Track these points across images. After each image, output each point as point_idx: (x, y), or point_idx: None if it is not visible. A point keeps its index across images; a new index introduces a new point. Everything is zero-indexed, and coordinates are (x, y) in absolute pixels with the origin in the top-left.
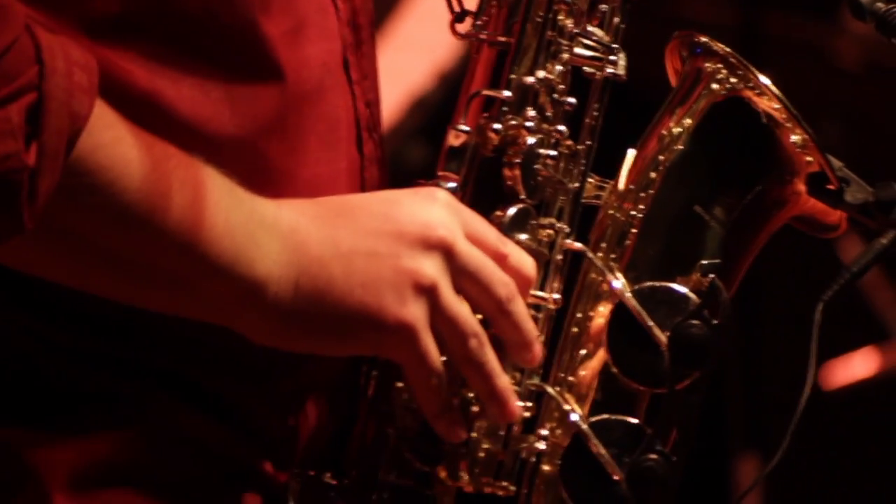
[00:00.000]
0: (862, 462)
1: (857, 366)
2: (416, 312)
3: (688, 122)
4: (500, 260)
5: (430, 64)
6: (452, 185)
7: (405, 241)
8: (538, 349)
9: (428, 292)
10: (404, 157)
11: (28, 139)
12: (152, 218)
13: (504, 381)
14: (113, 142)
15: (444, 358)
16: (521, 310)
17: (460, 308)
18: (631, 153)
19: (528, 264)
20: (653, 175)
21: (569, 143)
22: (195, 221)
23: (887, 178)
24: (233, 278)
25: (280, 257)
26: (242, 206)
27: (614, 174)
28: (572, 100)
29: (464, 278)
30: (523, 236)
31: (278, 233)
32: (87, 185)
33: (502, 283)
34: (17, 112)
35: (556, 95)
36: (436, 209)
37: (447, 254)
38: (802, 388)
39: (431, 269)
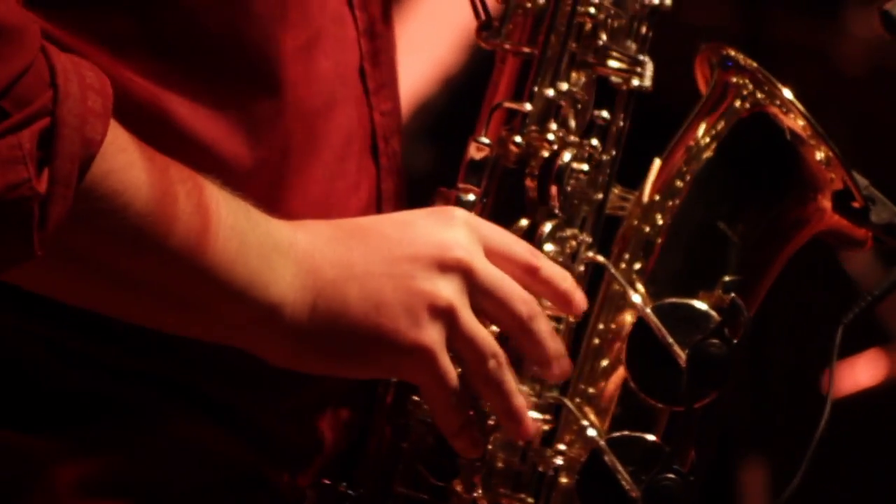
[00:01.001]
0: (869, 466)
1: (862, 371)
2: (432, 335)
3: (714, 135)
4: (532, 273)
5: (433, 66)
6: (472, 197)
7: (420, 263)
8: (565, 364)
9: (444, 314)
10: (408, 159)
11: (40, 165)
12: (161, 242)
13: (520, 400)
14: (125, 166)
15: (459, 371)
16: (543, 327)
17: (478, 329)
18: (656, 163)
19: (559, 276)
20: (678, 185)
21: (593, 153)
22: (204, 246)
23: (886, 184)
24: (247, 302)
25: (295, 280)
26: (257, 230)
27: (638, 185)
28: (605, 114)
29: (483, 297)
30: (550, 248)
31: (294, 256)
32: (99, 210)
33: (522, 301)
34: (30, 138)
35: (581, 108)
36: (453, 229)
37: (465, 274)
38: (807, 391)
39: (447, 290)
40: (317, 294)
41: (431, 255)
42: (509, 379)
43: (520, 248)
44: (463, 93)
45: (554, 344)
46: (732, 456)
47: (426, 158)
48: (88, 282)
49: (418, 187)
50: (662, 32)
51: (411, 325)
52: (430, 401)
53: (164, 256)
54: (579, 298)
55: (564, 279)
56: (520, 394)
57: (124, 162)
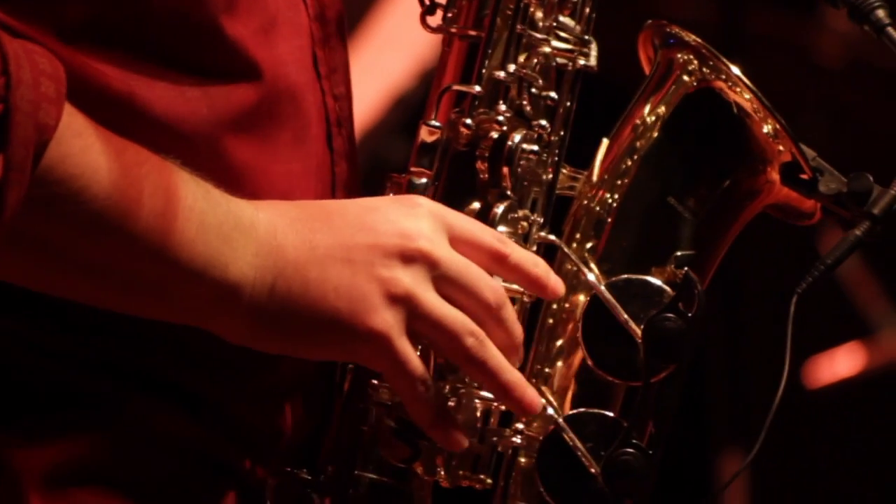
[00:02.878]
0: (848, 458)
1: (841, 363)
2: (387, 320)
3: (661, 112)
4: (500, 260)
5: (411, 61)
6: (424, 180)
7: (381, 251)
8: (521, 352)
9: (402, 301)
10: (386, 154)
11: None
12: (123, 225)
13: (514, 374)
14: (82, 150)
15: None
16: (510, 314)
17: (446, 310)
18: (604, 143)
19: (529, 261)
20: (626, 165)
21: (543, 134)
22: (166, 227)
23: (868, 171)
24: (207, 281)
25: (255, 260)
26: (217, 210)
27: (588, 165)
28: (553, 95)
29: (449, 286)
30: (502, 229)
31: (255, 236)
32: (57, 195)
33: (490, 289)
34: None
35: (534, 90)
36: (417, 218)
37: (428, 264)
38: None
39: (406, 278)
40: (277, 274)
41: (393, 244)
42: (495, 354)
43: (487, 236)
44: None
45: (518, 331)
46: (711, 446)
47: (405, 152)
48: (48, 266)
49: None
50: (606, 12)
51: (367, 310)
52: (398, 390)
53: (124, 238)
54: (554, 282)
55: (536, 264)
56: (511, 368)
57: (81, 146)
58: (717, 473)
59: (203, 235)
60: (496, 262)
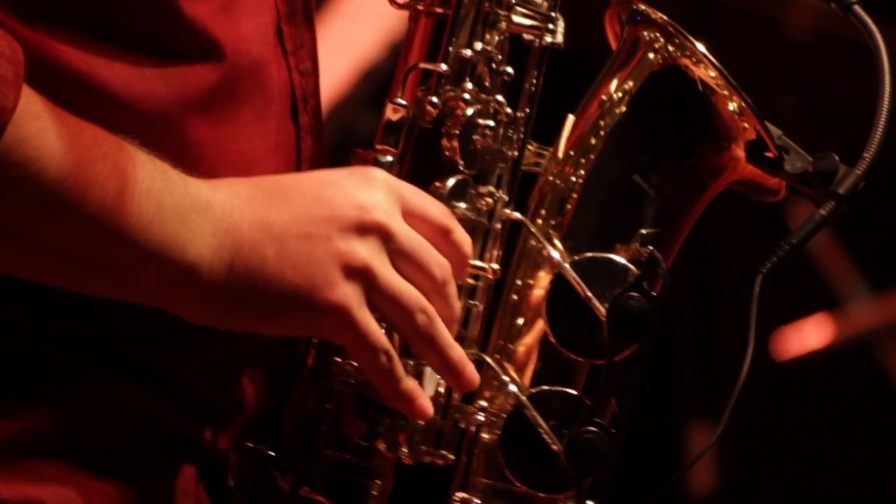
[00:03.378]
0: (815, 431)
1: (810, 335)
2: (347, 293)
3: (626, 89)
4: (444, 235)
5: (380, 33)
6: (390, 158)
7: (338, 223)
8: (456, 328)
9: (360, 274)
10: (355, 126)
11: None
12: (79, 207)
13: (458, 351)
14: (39, 133)
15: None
16: (453, 290)
17: (401, 285)
18: (570, 119)
19: (467, 243)
20: (592, 142)
21: (507, 111)
22: (123, 209)
23: (837, 146)
24: (165, 263)
25: (212, 241)
26: (175, 191)
27: (553, 142)
28: (510, 70)
29: (400, 260)
30: (462, 206)
31: (212, 216)
32: (14, 177)
33: (438, 265)
34: None
35: (494, 66)
36: (371, 191)
37: (383, 236)
38: (754, 355)
39: (364, 251)
40: (234, 253)
41: (350, 216)
42: (442, 331)
43: (435, 210)
44: None
45: (457, 307)
46: (679, 420)
47: (374, 124)
48: (5, 248)
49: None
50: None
51: (325, 284)
52: (361, 363)
53: (82, 220)
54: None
55: (468, 245)
56: (456, 345)
57: (38, 128)
58: (686, 445)
59: (160, 217)
60: (440, 237)
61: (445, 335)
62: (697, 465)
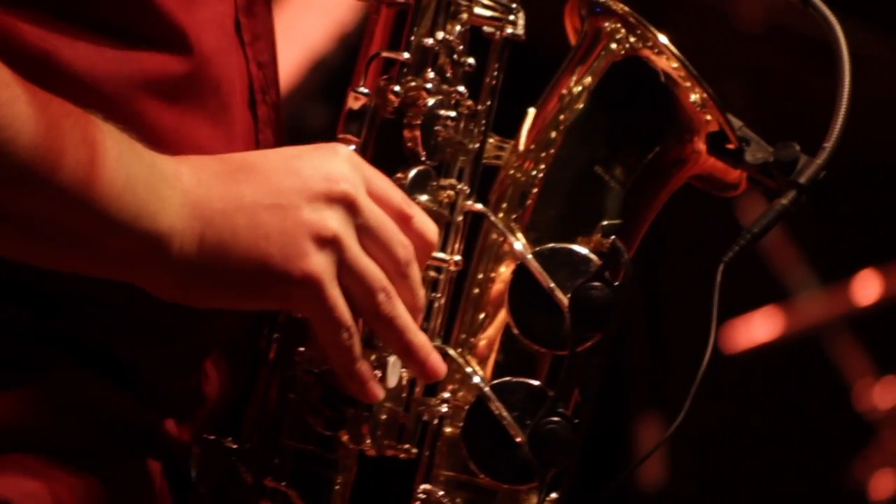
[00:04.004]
0: (765, 424)
1: (758, 327)
2: (320, 263)
3: (587, 81)
4: (404, 221)
5: (330, 24)
6: (352, 147)
7: (308, 193)
8: (422, 316)
9: (332, 244)
10: (304, 118)
11: None
12: (49, 176)
13: (421, 336)
14: (9, 101)
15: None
16: (416, 274)
17: (366, 262)
18: (531, 113)
19: (431, 229)
20: (553, 135)
21: (469, 103)
22: (92, 178)
23: (788, 138)
24: (135, 232)
25: (183, 210)
26: (143, 162)
27: (515, 134)
28: (471, 60)
29: (365, 236)
30: (424, 198)
31: (181, 187)
32: None
33: (401, 245)
34: None
35: (455, 56)
36: (338, 163)
37: (350, 208)
38: (704, 348)
39: (333, 221)
40: (205, 224)
41: (318, 186)
42: (403, 314)
43: (396, 195)
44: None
45: (421, 292)
46: (628, 411)
47: (323, 116)
48: None
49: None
50: None
51: (299, 254)
52: (322, 335)
53: (52, 189)
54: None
55: (433, 233)
56: (418, 330)
57: (8, 97)
58: (635, 437)
59: (130, 186)
60: (401, 222)
61: (407, 318)
62: (647, 461)
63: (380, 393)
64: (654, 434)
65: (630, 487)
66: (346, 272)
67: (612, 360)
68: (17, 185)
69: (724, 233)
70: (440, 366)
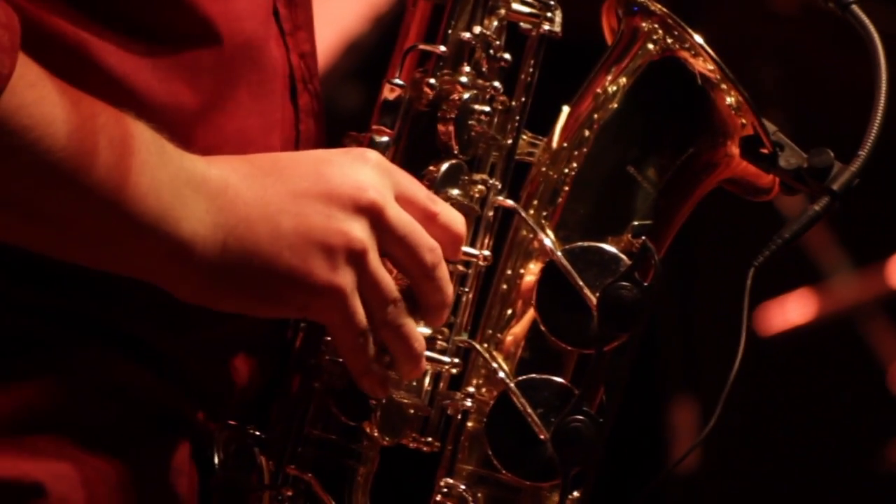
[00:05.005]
0: (797, 406)
1: (793, 309)
2: (345, 276)
3: (623, 81)
4: (430, 219)
5: (363, 5)
6: (385, 139)
7: (336, 202)
8: (448, 313)
9: (356, 256)
10: (338, 100)
11: None
12: (77, 177)
13: (421, 344)
14: (36, 101)
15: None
16: (444, 274)
17: (384, 275)
18: (565, 110)
19: (458, 222)
20: (586, 133)
21: (503, 99)
22: (120, 180)
23: (823, 123)
24: (158, 237)
25: (207, 217)
26: (170, 164)
27: (548, 131)
28: (507, 56)
29: (392, 242)
30: (455, 192)
31: (206, 192)
32: (11, 145)
33: (429, 249)
34: None
35: (491, 52)
36: (367, 171)
37: (377, 217)
38: (739, 333)
39: (361, 232)
40: (228, 232)
41: (347, 195)
42: (409, 322)
43: (421, 194)
44: (395, 33)
45: (450, 290)
46: (663, 396)
47: (357, 97)
48: (1, 215)
49: (349, 127)
50: None
51: (325, 265)
52: (339, 341)
53: (78, 190)
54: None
55: (461, 225)
56: (419, 338)
57: (35, 97)
58: (669, 422)
59: (156, 190)
60: (427, 220)
61: (411, 325)
62: (681, 443)
63: (388, 392)
64: (688, 418)
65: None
66: (366, 283)
67: (645, 343)
68: (45, 184)
69: (763, 220)
70: (421, 371)
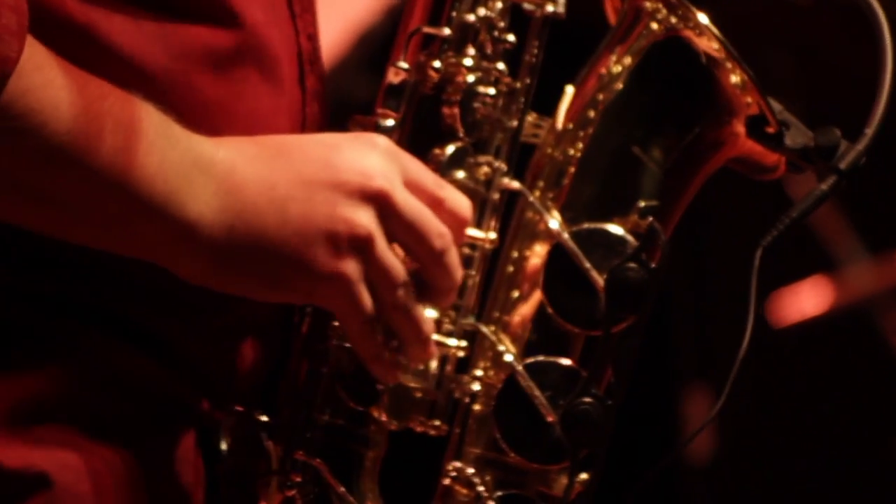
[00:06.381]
0: (812, 397)
1: (807, 300)
2: (351, 262)
3: (627, 61)
4: (437, 204)
5: None
6: (391, 122)
7: (343, 189)
8: (454, 295)
9: (363, 242)
10: (352, 90)
11: None
12: (83, 159)
13: (429, 326)
14: (43, 84)
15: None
16: (454, 259)
17: (392, 260)
18: (569, 91)
19: (464, 206)
20: (591, 114)
21: (507, 80)
22: (127, 162)
23: (836, 112)
24: (164, 219)
25: (214, 199)
26: (178, 146)
27: (553, 112)
28: (512, 38)
29: (400, 229)
30: (460, 174)
31: (213, 174)
32: (17, 129)
33: (438, 235)
34: None
35: (496, 33)
36: (375, 157)
37: (385, 204)
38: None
39: (367, 219)
40: (235, 215)
41: (354, 182)
42: (417, 305)
43: (428, 179)
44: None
45: (459, 274)
46: (676, 384)
47: (371, 88)
48: (6, 198)
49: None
50: None
51: (331, 252)
52: (347, 327)
53: (85, 173)
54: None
55: (467, 209)
56: (428, 321)
57: (42, 80)
58: (683, 409)
59: (163, 172)
60: (434, 205)
61: (419, 309)
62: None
63: (397, 377)
64: (702, 407)
65: (678, 461)
66: (374, 268)
67: (659, 331)
68: (51, 167)
69: (773, 204)
70: (433, 354)
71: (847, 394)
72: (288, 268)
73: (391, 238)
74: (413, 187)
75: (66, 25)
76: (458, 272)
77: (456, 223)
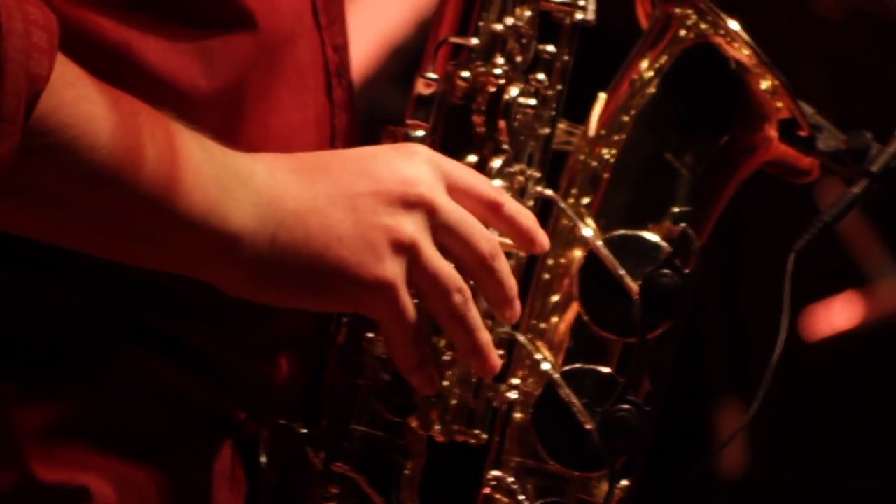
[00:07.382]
0: (844, 411)
1: (839, 313)
2: (395, 270)
3: (659, 67)
4: (495, 210)
5: (408, 10)
6: (421, 133)
7: (384, 197)
8: (518, 306)
9: (407, 250)
10: (383, 105)
11: None
12: (122, 173)
13: (485, 336)
14: (75, 100)
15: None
16: (503, 265)
17: (442, 264)
18: (601, 98)
19: (523, 213)
20: (624, 120)
21: (539, 88)
22: (168, 175)
23: (864, 126)
24: (206, 232)
25: (255, 210)
26: (215, 160)
27: (585, 119)
28: (551, 48)
29: (445, 235)
30: (498, 182)
31: (253, 186)
32: (51, 145)
33: (485, 239)
34: None
35: (524, 41)
36: (416, 165)
37: (428, 211)
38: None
39: (410, 226)
40: (277, 225)
41: (395, 190)
42: (475, 314)
43: (482, 184)
44: None
45: (511, 283)
46: (709, 398)
47: (402, 102)
48: (46, 215)
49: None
50: None
51: (374, 259)
52: (389, 336)
53: (119, 188)
54: (542, 236)
55: (528, 217)
56: (484, 329)
57: (74, 96)
58: (716, 424)
59: (202, 185)
60: (491, 212)
61: (477, 318)
62: (727, 447)
63: (437, 387)
64: (735, 420)
65: (710, 474)
66: (421, 275)
67: (692, 344)
68: (88, 182)
69: (803, 216)
70: (497, 365)
71: (879, 409)
72: (331, 276)
73: (439, 247)
74: (462, 193)
75: (102, 46)
76: (512, 281)
77: (515, 231)
